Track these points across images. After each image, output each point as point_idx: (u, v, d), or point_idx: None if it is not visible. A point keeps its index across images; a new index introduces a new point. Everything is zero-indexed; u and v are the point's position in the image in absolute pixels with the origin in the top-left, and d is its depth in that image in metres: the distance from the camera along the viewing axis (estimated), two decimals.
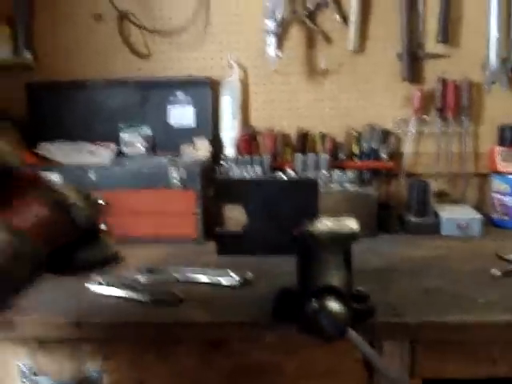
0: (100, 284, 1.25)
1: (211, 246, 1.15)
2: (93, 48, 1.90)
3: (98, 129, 1.87)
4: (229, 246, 1.10)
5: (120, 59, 1.90)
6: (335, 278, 0.96)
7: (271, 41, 1.79)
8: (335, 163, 1.80)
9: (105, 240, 0.89)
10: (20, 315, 1.11)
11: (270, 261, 1.25)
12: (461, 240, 1.62)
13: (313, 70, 1.86)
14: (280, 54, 1.81)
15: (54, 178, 1.52)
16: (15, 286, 0.79)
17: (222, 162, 1.79)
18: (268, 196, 1.07)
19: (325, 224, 1.03)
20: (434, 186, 1.80)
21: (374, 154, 1.83)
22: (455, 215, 1.69)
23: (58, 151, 1.75)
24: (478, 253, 1.50)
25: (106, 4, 1.84)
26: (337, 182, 1.71)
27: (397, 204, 1.79)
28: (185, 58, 1.89)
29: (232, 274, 1.28)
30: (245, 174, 1.74)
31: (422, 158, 1.86)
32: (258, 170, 1.76)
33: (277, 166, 1.80)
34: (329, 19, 1.83)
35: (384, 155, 1.83)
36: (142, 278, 1.30)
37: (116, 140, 1.86)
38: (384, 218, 1.71)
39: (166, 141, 1.87)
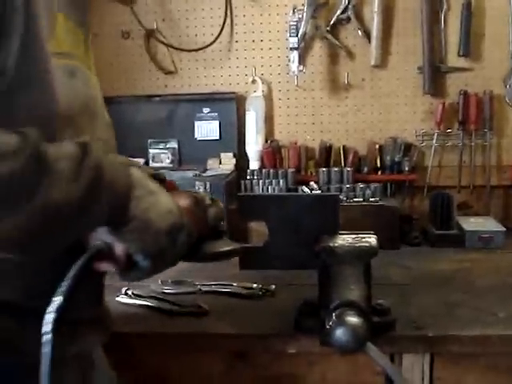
0: (127, 295, 1.30)
1: (234, 259, 1.18)
2: (121, 65, 1.96)
3: (128, 144, 1.90)
4: (251, 260, 1.12)
5: (147, 76, 1.95)
6: (355, 293, 0.99)
7: (294, 56, 1.83)
8: (358, 176, 1.82)
9: (226, 237, 0.99)
10: None
11: (292, 272, 1.27)
12: (484, 252, 1.62)
13: (335, 85, 1.89)
14: (303, 69, 1.84)
15: None
16: (173, 261, 0.87)
17: (246, 175, 1.83)
18: (290, 212, 1.10)
19: (345, 240, 1.05)
20: (457, 198, 1.80)
21: (396, 167, 1.85)
22: (478, 228, 1.69)
23: None
24: (501, 266, 1.50)
25: (134, 23, 1.90)
26: (360, 195, 1.73)
27: (420, 216, 1.80)
28: (210, 74, 1.94)
29: (254, 285, 1.31)
30: (269, 187, 1.77)
31: (445, 171, 1.87)
32: (282, 183, 1.78)
33: (300, 180, 1.83)
34: (351, 34, 1.86)
35: (406, 168, 1.84)
36: (167, 290, 1.34)
37: (145, 154, 1.92)
38: (407, 230, 1.73)
39: (192, 154, 1.92)
